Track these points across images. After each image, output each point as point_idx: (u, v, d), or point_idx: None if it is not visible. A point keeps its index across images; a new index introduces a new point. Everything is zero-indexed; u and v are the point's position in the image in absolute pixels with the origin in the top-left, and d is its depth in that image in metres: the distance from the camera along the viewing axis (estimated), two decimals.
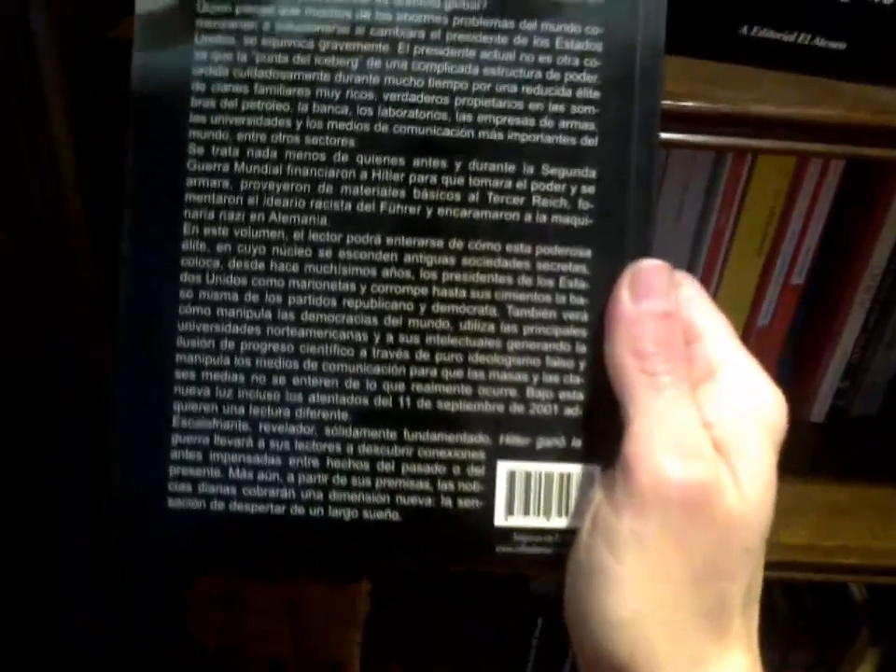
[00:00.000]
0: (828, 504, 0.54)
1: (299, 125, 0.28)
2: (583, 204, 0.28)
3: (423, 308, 0.28)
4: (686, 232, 0.54)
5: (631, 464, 0.25)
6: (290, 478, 0.28)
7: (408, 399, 0.28)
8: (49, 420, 0.46)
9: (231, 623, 0.59)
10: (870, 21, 0.37)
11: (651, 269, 0.27)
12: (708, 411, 0.26)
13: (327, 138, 0.28)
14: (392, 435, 0.28)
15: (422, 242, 0.28)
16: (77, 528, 0.49)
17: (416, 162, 0.28)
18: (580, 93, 0.28)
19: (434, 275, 0.28)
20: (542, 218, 0.28)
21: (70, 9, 0.36)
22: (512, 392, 0.28)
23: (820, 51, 0.38)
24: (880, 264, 0.54)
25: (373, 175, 0.28)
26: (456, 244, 0.28)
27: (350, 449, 0.28)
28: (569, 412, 0.28)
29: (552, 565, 0.28)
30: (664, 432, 0.25)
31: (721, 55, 0.39)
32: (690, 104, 0.36)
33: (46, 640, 0.52)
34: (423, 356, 0.28)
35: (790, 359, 0.60)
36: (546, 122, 0.28)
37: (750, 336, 0.58)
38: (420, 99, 0.28)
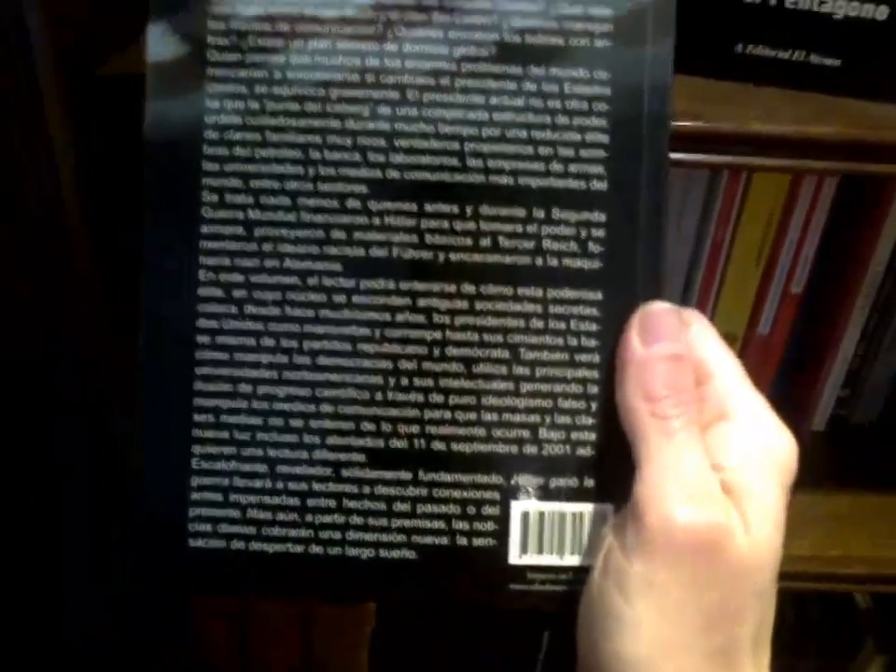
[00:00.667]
0: (830, 514, 0.55)
1: (311, 172, 0.28)
2: (594, 248, 0.29)
3: (436, 351, 0.29)
4: (685, 243, 0.55)
5: (641, 508, 0.26)
6: (308, 518, 0.29)
7: (423, 441, 0.29)
8: (49, 419, 0.45)
9: (239, 633, 0.59)
10: (864, 37, 0.37)
11: (660, 312, 0.28)
12: (719, 453, 0.27)
13: (339, 185, 0.28)
14: (407, 476, 0.29)
15: (435, 286, 0.29)
16: (76, 528, 0.49)
17: (428, 208, 0.29)
18: (589, 137, 0.29)
19: (447, 319, 0.29)
20: (553, 262, 0.29)
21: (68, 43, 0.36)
22: (525, 433, 0.29)
23: (816, 68, 0.38)
24: (878, 272, 0.55)
25: (386, 220, 0.29)
26: (469, 288, 0.29)
27: (366, 489, 0.29)
28: (581, 452, 0.29)
29: (565, 602, 0.29)
30: (673, 476, 0.26)
31: (717, 73, 0.39)
32: (686, 123, 0.36)
33: (46, 640, 0.52)
34: (437, 398, 0.29)
35: (790, 368, 0.61)
36: (556, 166, 0.29)
37: (750, 345, 0.59)
38: (431, 145, 0.28)
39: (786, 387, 0.61)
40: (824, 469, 0.57)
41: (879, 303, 0.56)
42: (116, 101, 0.28)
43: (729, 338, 0.58)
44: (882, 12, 0.37)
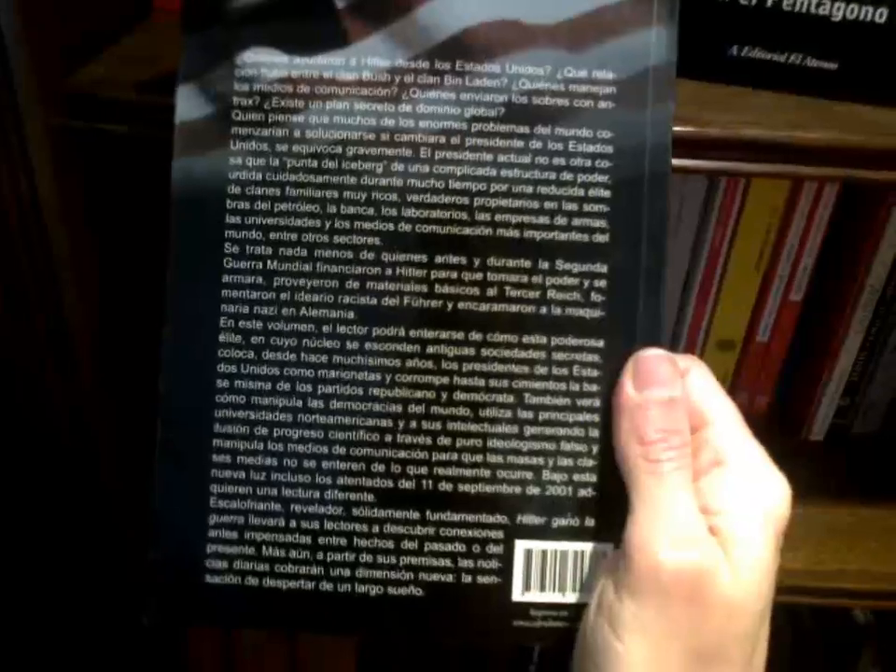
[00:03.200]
0: (828, 526, 0.54)
1: (327, 225, 0.30)
2: (596, 297, 0.31)
3: (444, 396, 0.31)
4: (683, 248, 0.54)
5: (630, 550, 0.27)
6: (320, 556, 0.31)
7: (430, 482, 0.31)
8: (55, 453, 0.45)
9: (227, 650, 0.58)
10: (862, 40, 0.37)
11: (653, 358, 0.30)
12: (713, 498, 0.28)
13: (354, 237, 0.30)
14: (415, 515, 0.31)
15: (443, 334, 0.31)
16: (88, 556, 0.48)
17: (438, 259, 0.31)
18: (592, 193, 0.31)
19: (455, 366, 0.31)
20: (557, 311, 0.31)
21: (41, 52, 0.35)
22: (529, 475, 0.31)
23: (812, 71, 0.38)
24: (879, 281, 0.55)
25: (397, 271, 0.31)
26: (476, 336, 0.31)
27: (376, 528, 0.31)
28: (583, 493, 0.31)
29: (567, 638, 0.30)
30: (662, 520, 0.27)
31: (711, 76, 0.39)
32: (679, 128, 0.35)
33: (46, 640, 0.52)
34: (444, 441, 0.31)
35: (789, 376, 0.61)
36: (560, 220, 0.31)
37: (749, 352, 0.60)
38: (441, 200, 0.30)
39: (785, 395, 0.62)
40: (822, 479, 0.56)
41: (880, 312, 0.57)
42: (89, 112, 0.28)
43: (728, 344, 0.57)
44: (882, 14, 0.36)
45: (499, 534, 0.31)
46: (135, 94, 0.36)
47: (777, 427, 0.61)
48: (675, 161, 0.36)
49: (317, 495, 0.31)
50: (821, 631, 0.67)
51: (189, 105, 0.30)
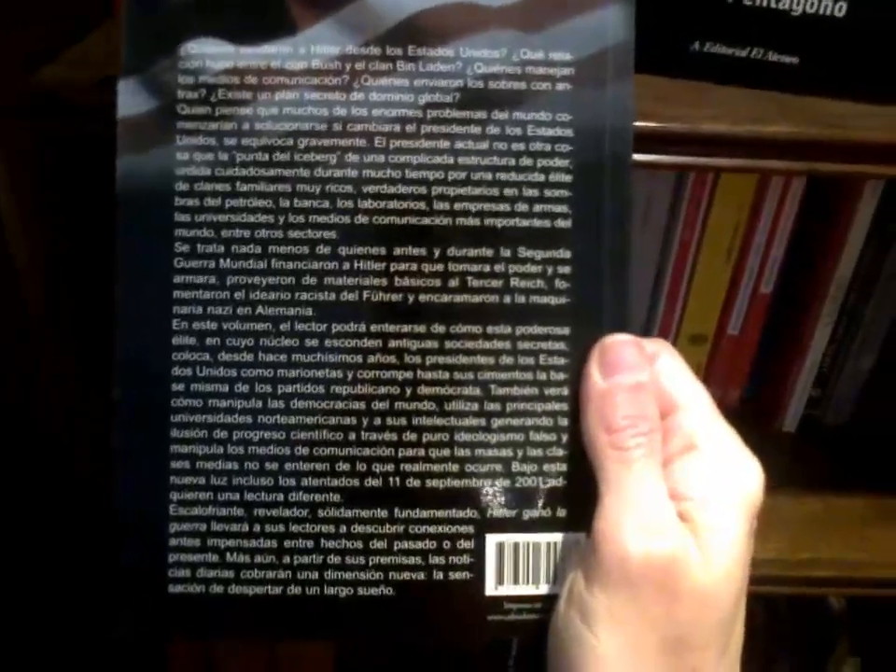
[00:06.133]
0: (802, 516, 0.54)
1: (281, 220, 0.29)
2: (560, 284, 0.30)
3: (409, 391, 0.30)
4: (652, 244, 0.54)
5: (598, 540, 0.27)
6: (286, 559, 0.30)
7: (397, 479, 0.30)
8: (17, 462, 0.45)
9: (207, 657, 0.58)
10: (822, 35, 0.37)
11: (618, 343, 0.29)
12: (685, 483, 0.28)
13: (309, 231, 0.29)
14: (383, 514, 0.30)
15: (405, 328, 0.30)
16: (52, 569, 0.48)
17: (397, 251, 0.30)
18: (552, 178, 0.30)
19: (418, 359, 0.30)
20: (521, 299, 0.30)
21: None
22: (498, 467, 0.30)
23: (774, 66, 0.38)
24: (847, 274, 0.55)
25: (355, 265, 0.30)
26: (438, 328, 0.30)
27: (343, 529, 0.30)
28: (553, 483, 0.30)
29: (542, 630, 0.30)
30: (629, 508, 0.27)
31: (673, 71, 0.39)
32: (642, 123, 0.35)
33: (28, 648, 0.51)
34: (410, 436, 0.30)
35: (760, 368, 0.61)
36: (521, 207, 0.30)
37: (721, 346, 0.59)
38: (398, 190, 0.30)
39: (756, 387, 0.62)
40: (795, 470, 0.57)
41: (848, 304, 0.57)
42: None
43: (699, 339, 0.57)
44: (841, 8, 0.36)
45: (470, 528, 0.30)
46: (92, 95, 0.35)
47: (750, 419, 0.61)
48: (639, 157, 0.36)
49: (281, 497, 0.30)
50: (797, 620, 0.68)
51: (131, 99, 0.29)
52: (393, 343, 0.30)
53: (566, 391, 0.30)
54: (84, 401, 0.44)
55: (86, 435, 0.45)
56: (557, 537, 0.30)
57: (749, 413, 0.61)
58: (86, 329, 0.43)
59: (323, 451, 0.30)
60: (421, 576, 0.30)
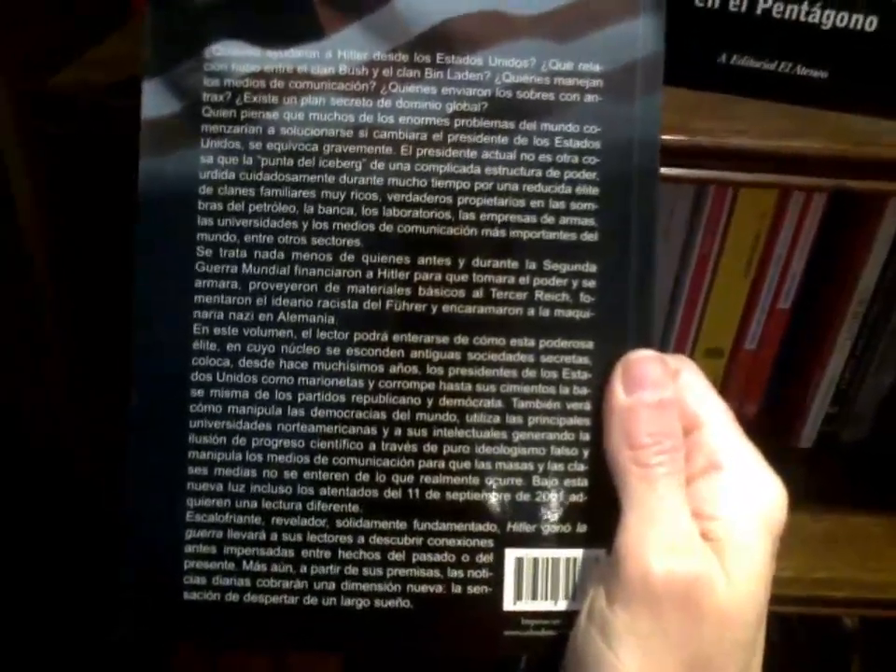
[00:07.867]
0: (818, 534, 0.54)
1: (305, 226, 0.29)
2: (585, 298, 0.30)
3: (430, 402, 0.29)
4: (671, 257, 0.54)
5: (621, 558, 0.26)
6: (303, 569, 0.30)
7: (417, 491, 0.30)
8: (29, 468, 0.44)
9: (212, 660, 0.57)
10: (853, 49, 0.37)
11: (643, 360, 0.29)
12: (708, 502, 0.27)
13: (333, 239, 0.29)
14: (402, 525, 0.30)
15: (428, 338, 0.29)
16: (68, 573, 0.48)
17: (421, 261, 0.29)
18: (579, 190, 0.29)
19: (440, 371, 0.29)
20: (545, 312, 0.30)
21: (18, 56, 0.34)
22: (518, 481, 0.30)
23: (802, 80, 0.37)
24: (868, 290, 0.54)
25: (379, 273, 0.29)
26: (461, 339, 0.29)
27: (361, 540, 0.30)
28: (574, 498, 0.30)
29: (560, 646, 0.29)
30: (653, 526, 0.26)
31: (701, 84, 0.38)
32: (668, 137, 0.34)
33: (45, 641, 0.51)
34: (431, 448, 0.30)
35: (777, 384, 0.61)
36: (547, 219, 0.29)
37: (737, 360, 0.59)
38: (424, 199, 0.29)
39: (773, 403, 0.61)
40: (811, 487, 0.56)
41: (869, 320, 0.56)
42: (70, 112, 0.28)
43: (716, 352, 0.57)
44: (871, 22, 0.35)
45: (489, 542, 0.30)
46: (110, 98, 0.34)
47: (766, 434, 0.60)
48: (664, 170, 0.35)
49: (299, 506, 0.29)
50: (810, 639, 0.67)
51: (155, 101, 0.29)
52: (415, 354, 0.29)
53: (588, 406, 0.29)
54: (84, 401, 0.44)
55: (86, 435, 0.45)
56: (577, 553, 0.30)
57: (766, 429, 0.60)
58: (86, 329, 0.42)
59: (342, 460, 0.29)
60: (439, 589, 0.30)
